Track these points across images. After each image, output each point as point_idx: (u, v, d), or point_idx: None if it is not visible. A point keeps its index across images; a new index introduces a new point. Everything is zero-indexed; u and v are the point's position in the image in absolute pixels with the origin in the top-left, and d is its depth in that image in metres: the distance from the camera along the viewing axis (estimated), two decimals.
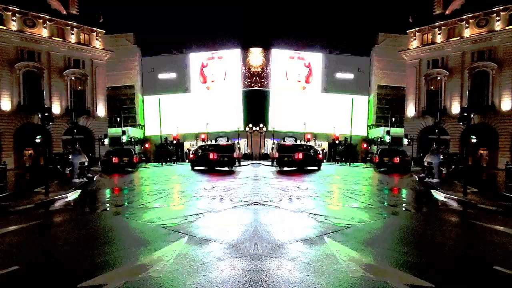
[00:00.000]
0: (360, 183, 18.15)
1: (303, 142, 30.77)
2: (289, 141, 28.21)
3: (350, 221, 8.36)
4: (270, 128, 47.79)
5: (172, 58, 50.96)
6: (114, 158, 26.43)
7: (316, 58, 51.18)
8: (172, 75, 50.91)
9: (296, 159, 23.94)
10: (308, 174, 21.80)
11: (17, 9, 37.22)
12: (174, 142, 44.59)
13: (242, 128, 47.86)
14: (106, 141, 41.84)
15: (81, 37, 42.52)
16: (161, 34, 49.59)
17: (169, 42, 49.70)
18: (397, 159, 26.23)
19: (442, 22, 41.62)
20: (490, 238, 7.46)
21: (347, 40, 49.54)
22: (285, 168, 24.69)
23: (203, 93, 50.63)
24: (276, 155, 25.33)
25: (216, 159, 23.70)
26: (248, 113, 49.49)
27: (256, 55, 50.66)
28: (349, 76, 51.08)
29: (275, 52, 50.51)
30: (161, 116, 49.13)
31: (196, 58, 50.92)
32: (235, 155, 25.29)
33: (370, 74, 50.71)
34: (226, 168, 24.39)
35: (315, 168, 24.99)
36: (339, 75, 50.98)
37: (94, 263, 5.43)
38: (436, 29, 42.12)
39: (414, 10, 43.94)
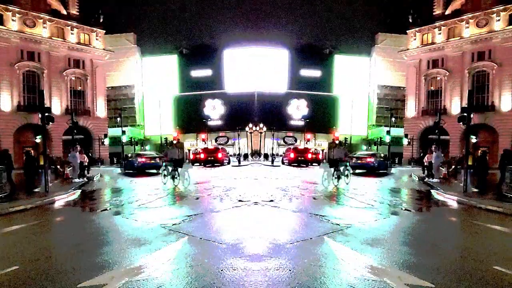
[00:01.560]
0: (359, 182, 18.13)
1: (302, 145, 36.25)
2: (301, 146, 36.81)
3: (350, 221, 8.37)
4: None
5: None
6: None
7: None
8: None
9: (307, 158, 30.53)
10: (307, 174, 21.82)
11: (17, 9, 37.20)
12: (174, 142, 44.54)
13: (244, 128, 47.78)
14: (106, 141, 41.83)
15: (81, 37, 42.51)
16: (160, 34, 49.53)
17: (170, 42, 49.60)
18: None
19: (442, 22, 41.61)
20: (490, 238, 7.46)
21: (347, 40, 49.43)
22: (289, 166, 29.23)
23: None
24: (292, 155, 31.22)
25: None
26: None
27: (251, 54, 50.50)
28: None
29: (273, 51, 50.43)
30: (163, 116, 48.98)
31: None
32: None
33: (370, 74, 50.64)
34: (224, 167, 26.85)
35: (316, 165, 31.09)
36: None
37: (94, 263, 5.43)
38: (436, 29, 42.09)
39: (414, 10, 43.91)
